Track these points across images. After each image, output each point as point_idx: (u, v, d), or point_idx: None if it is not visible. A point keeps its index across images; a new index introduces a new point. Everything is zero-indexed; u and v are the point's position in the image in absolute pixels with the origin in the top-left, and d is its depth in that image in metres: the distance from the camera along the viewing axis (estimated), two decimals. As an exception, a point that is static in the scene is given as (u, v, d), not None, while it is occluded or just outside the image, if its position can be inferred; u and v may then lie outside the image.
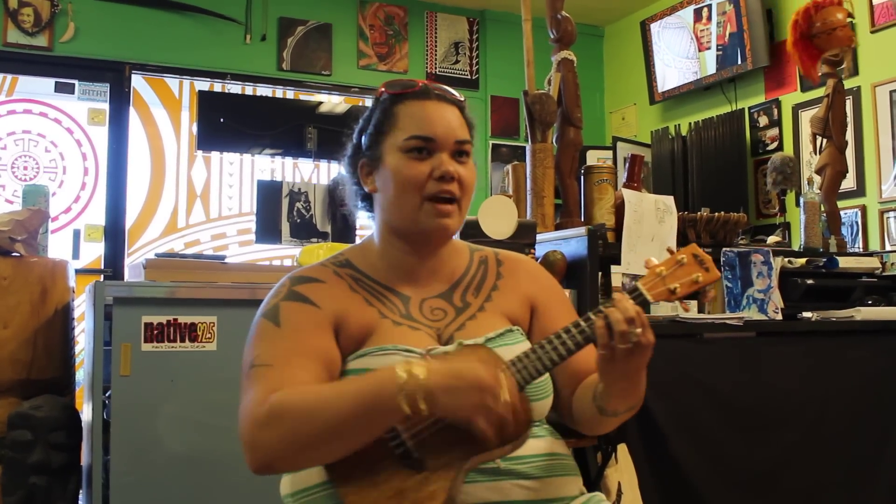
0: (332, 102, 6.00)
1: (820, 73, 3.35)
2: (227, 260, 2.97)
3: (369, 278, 1.51)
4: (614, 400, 1.40)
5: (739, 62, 5.37)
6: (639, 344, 1.31)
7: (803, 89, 5.10)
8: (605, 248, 2.48)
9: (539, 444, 1.44)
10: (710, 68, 5.56)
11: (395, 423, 1.28)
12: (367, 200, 1.56)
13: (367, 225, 1.60)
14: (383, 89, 1.52)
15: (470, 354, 1.34)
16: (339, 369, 1.42)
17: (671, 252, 1.39)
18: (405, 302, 1.49)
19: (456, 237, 1.60)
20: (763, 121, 5.37)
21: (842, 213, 3.59)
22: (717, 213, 2.74)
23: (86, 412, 2.81)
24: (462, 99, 1.53)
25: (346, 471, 1.31)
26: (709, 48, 5.57)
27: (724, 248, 2.67)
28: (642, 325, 1.30)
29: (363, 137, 1.53)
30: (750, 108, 5.45)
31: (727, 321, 2.50)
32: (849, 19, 3.34)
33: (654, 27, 5.96)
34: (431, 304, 1.50)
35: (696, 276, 1.38)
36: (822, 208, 3.25)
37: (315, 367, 1.37)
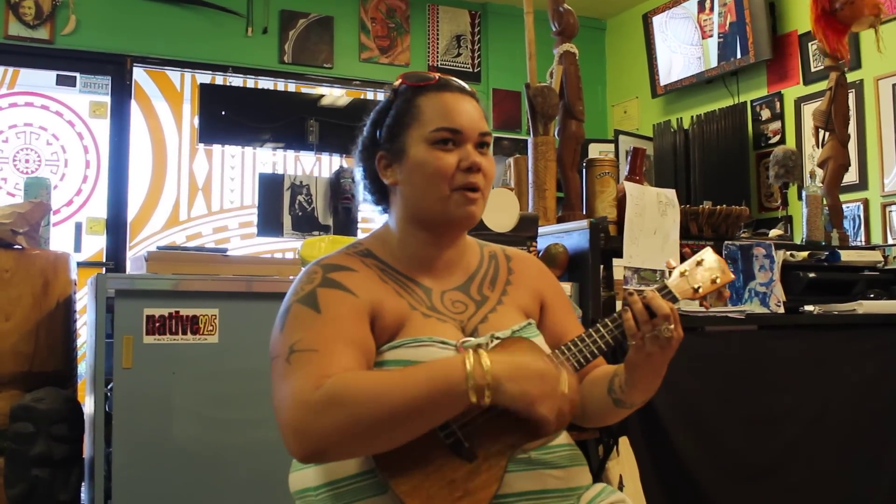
0: (334, 95, 5.99)
1: (823, 66, 3.30)
2: (228, 253, 2.97)
3: (394, 269, 1.51)
4: (636, 392, 1.46)
5: (741, 55, 5.36)
6: (670, 339, 1.39)
7: (806, 82, 5.09)
8: (607, 241, 2.48)
9: (560, 434, 1.48)
10: (713, 61, 5.55)
11: (458, 411, 1.28)
12: (379, 193, 1.56)
13: (369, 218, 1.60)
14: (402, 80, 1.52)
15: (512, 346, 1.39)
16: (374, 358, 1.41)
17: (690, 253, 1.52)
18: (428, 294, 1.50)
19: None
20: (765, 114, 5.37)
21: (844, 206, 3.58)
22: (719, 207, 2.74)
23: (88, 404, 2.82)
24: (475, 91, 1.55)
25: (396, 461, 1.31)
26: (711, 36, 5.55)
27: (726, 242, 2.67)
28: (675, 321, 1.39)
29: (380, 130, 1.51)
30: (752, 102, 5.44)
31: (729, 314, 2.50)
32: None
33: (659, 18, 5.94)
34: (451, 297, 1.51)
35: (715, 277, 1.47)
36: (825, 202, 3.24)
37: (357, 355, 1.36)
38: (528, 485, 1.40)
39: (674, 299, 1.44)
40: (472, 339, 1.45)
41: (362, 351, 1.38)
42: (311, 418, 1.26)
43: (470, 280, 1.55)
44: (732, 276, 1.51)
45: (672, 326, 1.39)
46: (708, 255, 1.49)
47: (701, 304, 1.51)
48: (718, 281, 1.47)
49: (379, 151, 1.51)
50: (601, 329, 1.44)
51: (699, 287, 1.46)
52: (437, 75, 1.52)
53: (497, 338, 1.44)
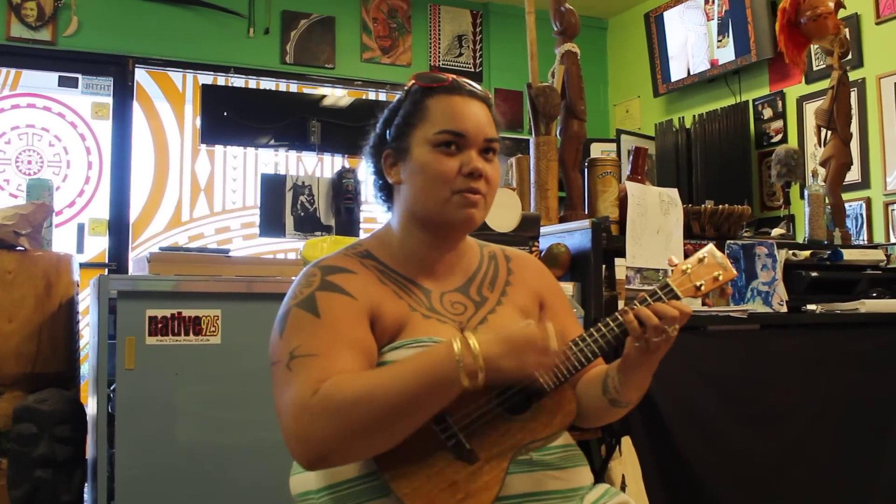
0: (336, 96, 5.99)
1: (825, 65, 3.32)
2: (231, 253, 2.97)
3: (393, 271, 1.50)
4: (631, 391, 1.48)
5: (744, 54, 5.35)
6: (669, 338, 1.40)
7: (808, 81, 5.08)
8: (609, 241, 2.48)
9: (561, 435, 1.48)
10: (718, 58, 5.55)
11: (453, 397, 1.28)
12: (385, 191, 1.55)
13: (371, 218, 1.60)
14: (414, 81, 1.51)
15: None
16: (375, 360, 1.41)
17: (692, 250, 1.48)
18: (427, 295, 1.49)
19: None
20: (767, 113, 5.36)
21: (846, 205, 3.58)
22: (721, 206, 2.73)
23: (90, 405, 2.82)
24: (490, 96, 1.53)
25: (398, 463, 1.31)
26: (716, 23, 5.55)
27: (728, 241, 2.67)
28: (682, 321, 1.40)
29: (389, 128, 1.51)
30: (754, 101, 5.44)
31: (731, 314, 2.50)
32: (842, 8, 3.29)
33: (671, 13, 5.93)
34: (451, 298, 1.51)
35: (717, 274, 1.46)
36: (827, 200, 3.24)
37: (359, 358, 1.36)
38: (528, 486, 1.40)
39: (676, 297, 1.44)
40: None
41: (363, 353, 1.37)
42: (310, 424, 1.26)
43: (469, 281, 1.55)
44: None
45: (677, 326, 1.40)
46: (710, 251, 1.47)
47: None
48: (721, 278, 1.46)
49: (385, 149, 1.51)
50: (602, 329, 1.43)
51: (701, 284, 1.45)
52: (451, 77, 1.50)
53: None
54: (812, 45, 3.36)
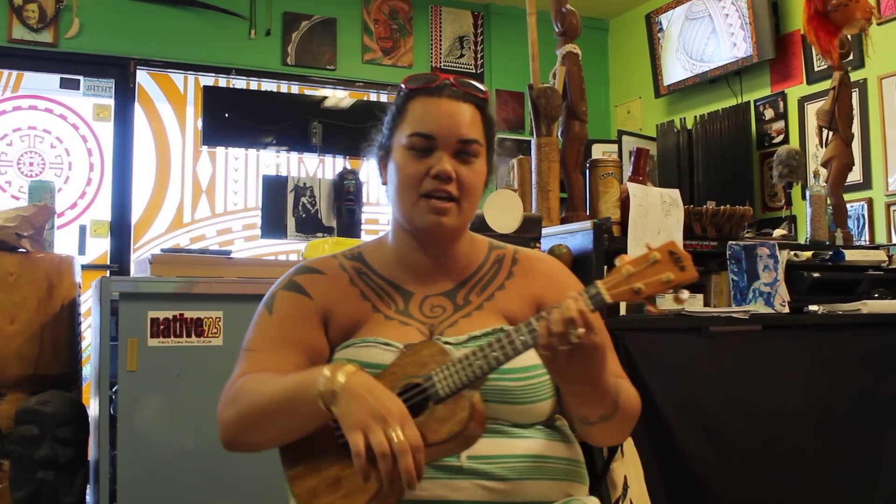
0: (337, 97, 6.00)
1: (827, 66, 3.30)
2: (232, 255, 2.97)
3: (375, 273, 1.52)
4: (577, 406, 1.37)
5: (745, 55, 5.35)
6: (580, 346, 1.22)
7: (809, 82, 5.08)
8: (611, 242, 2.47)
9: (517, 444, 1.39)
10: (719, 59, 5.55)
11: (317, 415, 1.30)
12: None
13: (372, 220, 1.60)
14: (402, 84, 1.50)
15: (421, 351, 1.33)
16: (325, 359, 1.46)
17: (648, 248, 1.26)
18: (407, 298, 1.49)
19: (476, 234, 1.60)
20: (769, 113, 5.36)
21: (848, 205, 3.58)
22: (722, 207, 2.73)
23: (93, 407, 2.82)
24: (483, 96, 1.50)
25: (297, 456, 1.38)
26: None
27: (729, 242, 2.67)
28: (586, 326, 1.21)
29: (384, 130, 1.53)
30: (755, 101, 5.44)
31: (733, 315, 2.50)
32: None
33: (672, 14, 5.93)
34: (433, 302, 1.49)
35: (666, 276, 1.22)
36: (829, 201, 3.24)
37: (294, 356, 1.42)
38: (442, 492, 1.34)
39: (601, 303, 1.24)
40: (415, 342, 1.39)
41: (302, 352, 1.44)
42: (222, 411, 1.41)
43: (461, 285, 1.52)
44: (694, 273, 1.22)
45: (580, 331, 1.21)
46: (667, 250, 1.24)
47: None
48: (672, 279, 1.22)
49: (381, 151, 1.53)
50: (512, 334, 1.28)
51: (640, 288, 1.23)
52: (443, 78, 1.48)
53: (447, 342, 1.40)
54: (841, 34, 3.26)
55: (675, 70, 5.87)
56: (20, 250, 2.84)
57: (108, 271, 5.21)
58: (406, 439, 1.20)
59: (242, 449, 1.41)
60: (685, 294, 1.23)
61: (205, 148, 5.74)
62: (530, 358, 1.34)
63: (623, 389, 1.41)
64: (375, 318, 1.46)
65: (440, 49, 6.22)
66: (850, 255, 2.91)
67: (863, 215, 4.66)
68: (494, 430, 1.38)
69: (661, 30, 5.95)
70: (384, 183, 1.52)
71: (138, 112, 5.55)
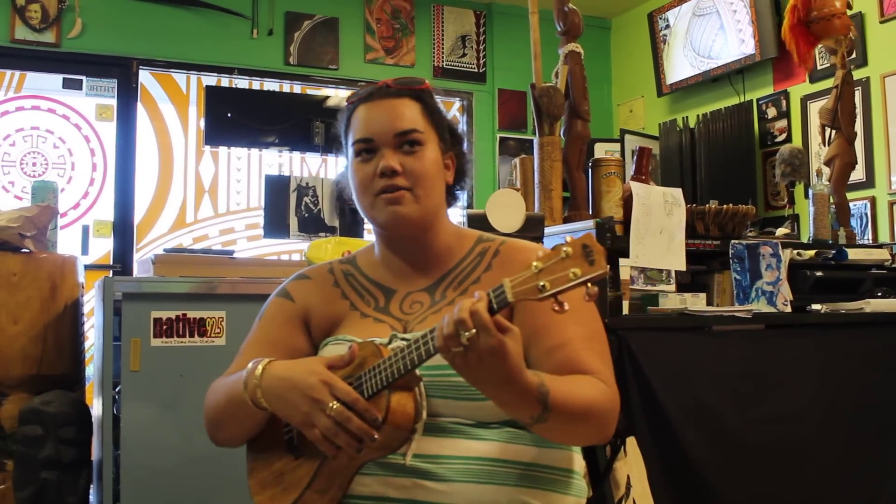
0: (340, 97, 6.00)
1: (829, 64, 3.31)
2: (235, 255, 2.98)
3: (363, 274, 1.59)
4: (501, 408, 1.28)
5: (747, 53, 5.35)
6: (475, 348, 1.15)
7: (812, 80, 5.07)
8: (614, 241, 2.48)
9: (474, 446, 1.36)
10: (721, 58, 5.55)
11: (254, 413, 1.40)
12: None
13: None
14: (346, 100, 1.61)
15: (362, 350, 1.35)
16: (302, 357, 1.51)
17: (566, 241, 1.16)
18: (388, 296, 1.53)
19: (467, 228, 1.62)
20: (771, 112, 5.35)
21: (851, 204, 3.57)
22: (725, 206, 2.73)
23: (96, 407, 2.82)
24: (419, 87, 1.53)
25: (256, 450, 1.50)
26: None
27: (732, 241, 2.67)
28: (479, 327, 1.14)
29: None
30: (758, 100, 5.43)
31: (736, 314, 2.49)
32: (847, 10, 3.29)
33: (675, 12, 5.93)
34: (413, 298, 1.52)
35: (572, 271, 1.11)
36: (831, 200, 3.23)
37: (273, 355, 1.46)
38: (379, 489, 1.34)
39: (503, 302, 1.15)
40: (376, 339, 1.40)
41: (281, 351, 1.50)
42: (203, 407, 1.55)
43: (441, 280, 1.52)
44: (604, 267, 1.11)
45: (470, 333, 1.13)
46: (580, 243, 1.12)
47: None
48: (577, 275, 1.10)
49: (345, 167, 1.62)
50: (428, 335, 1.23)
51: (545, 285, 1.12)
52: (381, 83, 1.54)
53: (404, 338, 1.40)
54: (818, 45, 3.33)
55: (683, 67, 5.86)
56: (23, 250, 2.84)
57: (111, 271, 5.22)
58: (342, 400, 1.26)
59: (221, 445, 1.55)
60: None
61: (207, 148, 5.74)
62: None
63: (573, 387, 1.30)
64: (352, 317, 1.53)
65: (442, 48, 6.22)
66: (853, 254, 2.91)
67: (866, 214, 4.66)
68: (451, 429, 1.36)
69: (667, 26, 5.94)
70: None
71: (141, 112, 5.55)
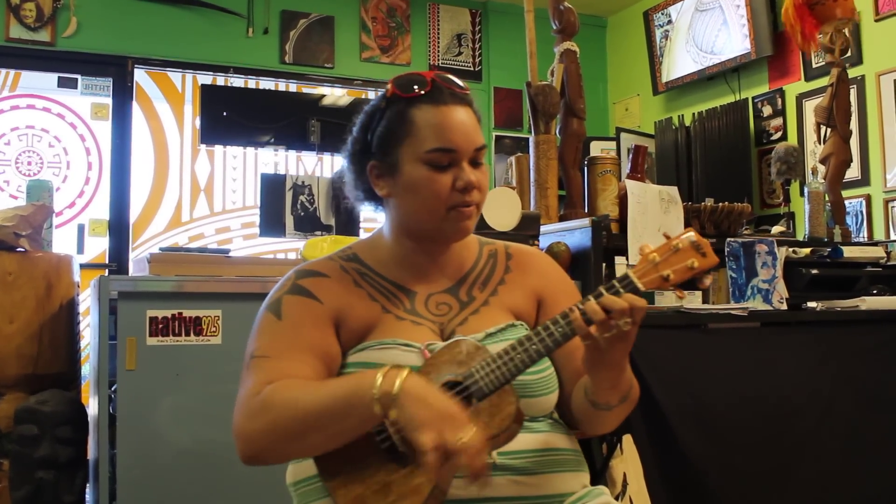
0: (335, 95, 6.00)
1: (825, 62, 3.30)
2: (231, 253, 2.97)
3: (376, 273, 1.50)
4: (604, 392, 1.38)
5: (743, 51, 5.35)
6: (623, 333, 1.28)
7: (807, 79, 5.08)
8: (609, 239, 2.48)
9: (535, 438, 1.41)
10: (717, 56, 5.55)
11: (368, 421, 1.27)
12: (373, 198, 1.53)
13: (371, 217, 1.58)
14: (392, 88, 1.46)
15: (454, 348, 1.34)
16: (338, 364, 1.43)
17: (667, 237, 1.32)
18: (411, 297, 1.48)
19: None
20: (767, 110, 5.36)
21: (846, 202, 3.58)
22: (721, 204, 2.73)
23: (92, 406, 2.82)
24: (469, 93, 1.48)
25: (335, 465, 1.33)
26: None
27: (728, 239, 2.67)
28: (636, 313, 1.28)
29: (371, 136, 1.47)
30: (754, 98, 5.44)
31: (732, 311, 2.50)
32: None
33: (670, 10, 5.93)
34: (437, 299, 1.49)
35: (691, 262, 1.30)
36: (827, 198, 3.24)
37: (312, 362, 1.39)
38: (477, 490, 1.32)
39: (635, 289, 1.31)
40: (438, 342, 1.41)
41: (318, 357, 1.40)
42: (245, 423, 1.32)
43: (461, 282, 1.52)
44: (715, 259, 1.31)
45: (629, 320, 1.27)
46: (687, 238, 1.31)
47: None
48: (696, 266, 1.29)
49: (371, 160, 1.48)
50: (550, 327, 1.32)
51: (669, 275, 1.30)
52: (430, 79, 1.44)
53: (455, 340, 1.40)
54: (821, 29, 3.28)
55: (674, 67, 5.87)
56: (18, 250, 2.84)
57: (107, 270, 5.21)
58: (469, 443, 1.19)
59: (268, 461, 1.35)
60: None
61: (203, 146, 5.73)
62: None
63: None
64: (387, 319, 1.45)
65: (438, 47, 6.22)
66: (849, 252, 2.91)
67: (861, 212, 4.66)
68: None
69: (669, 22, 5.93)
70: (385, 195, 1.48)
71: (136, 111, 5.54)
